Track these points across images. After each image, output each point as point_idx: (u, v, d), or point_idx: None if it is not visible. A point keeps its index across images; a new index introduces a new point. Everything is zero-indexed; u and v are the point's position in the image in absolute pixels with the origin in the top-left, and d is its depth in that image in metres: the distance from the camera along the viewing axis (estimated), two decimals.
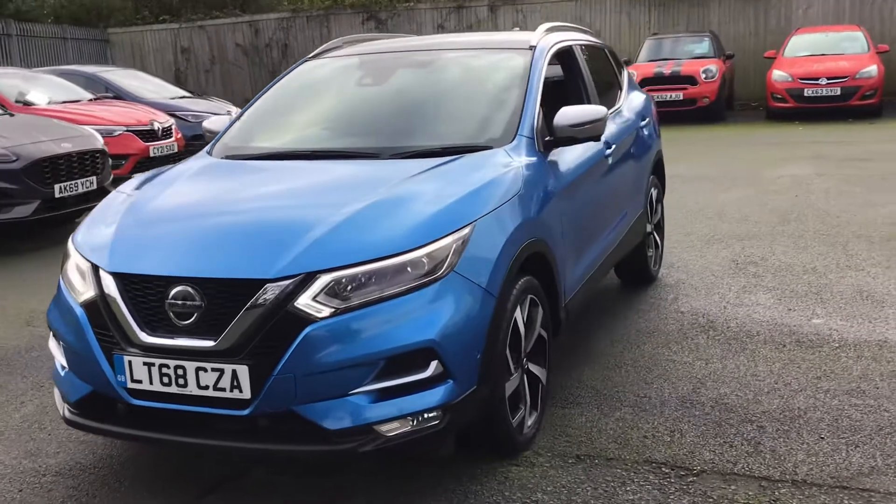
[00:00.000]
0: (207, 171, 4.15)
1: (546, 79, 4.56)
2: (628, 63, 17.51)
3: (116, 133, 10.82)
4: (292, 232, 3.21)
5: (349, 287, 3.06)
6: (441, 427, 3.16)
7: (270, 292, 3.03)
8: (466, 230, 3.29)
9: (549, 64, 4.69)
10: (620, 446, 3.73)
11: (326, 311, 3.02)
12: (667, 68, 17.03)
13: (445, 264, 3.18)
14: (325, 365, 3.01)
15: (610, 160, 4.89)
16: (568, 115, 4.14)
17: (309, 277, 3.04)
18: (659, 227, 6.31)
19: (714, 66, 16.96)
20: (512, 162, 3.80)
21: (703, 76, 16.76)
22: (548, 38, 4.74)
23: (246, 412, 3.06)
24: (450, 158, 3.80)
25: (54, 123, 9.15)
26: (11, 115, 9.52)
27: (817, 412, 3.96)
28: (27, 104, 11.08)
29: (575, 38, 5.22)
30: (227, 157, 4.28)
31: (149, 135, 11.31)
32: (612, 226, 4.97)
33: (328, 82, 4.85)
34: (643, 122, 5.76)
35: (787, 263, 6.44)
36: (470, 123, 4.26)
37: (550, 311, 3.99)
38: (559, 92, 4.96)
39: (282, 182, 3.88)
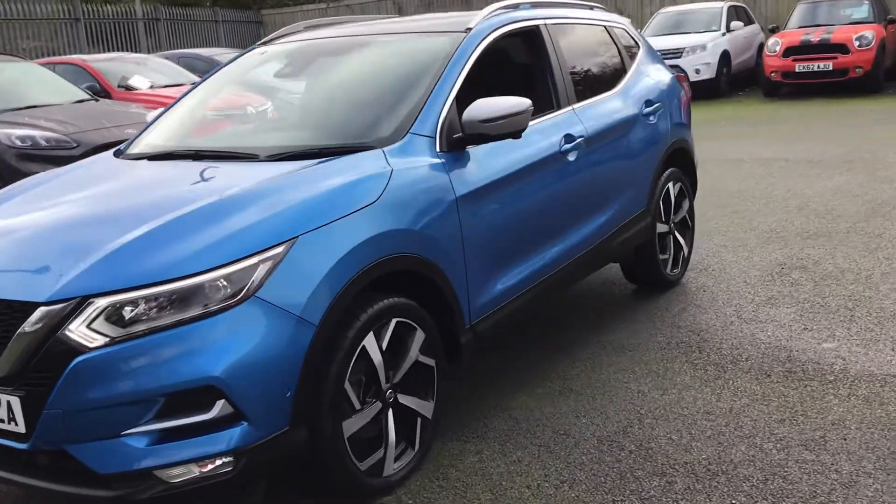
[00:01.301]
0: (71, 173, 3.93)
1: (492, 65, 4.04)
2: (775, 30, 16.24)
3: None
4: (77, 249, 2.92)
5: (132, 314, 2.74)
6: (234, 474, 2.80)
7: (41, 317, 2.75)
8: (280, 248, 2.89)
9: (498, 49, 4.17)
10: (494, 497, 3.23)
11: (100, 341, 2.71)
12: (815, 35, 15.53)
13: (246, 289, 2.80)
14: (95, 401, 2.72)
15: (573, 155, 4.29)
16: (479, 108, 3.62)
17: (83, 302, 2.74)
18: (683, 227, 5.60)
19: (871, 33, 15.30)
20: (382, 166, 3.34)
21: (857, 44, 15.15)
22: (494, 20, 4.20)
23: (25, 446, 2.82)
24: (316, 162, 3.40)
25: (127, 110, 9.31)
26: (96, 100, 9.79)
27: (750, 467, 3.30)
28: (129, 88, 11.39)
29: (549, 15, 4.62)
30: (120, 156, 4.05)
31: None
32: (575, 229, 4.38)
33: (250, 74, 4.54)
34: (650, 109, 5.07)
35: (840, 270, 5.57)
36: (361, 120, 3.83)
37: (445, 334, 3.53)
38: (513, 80, 4.40)
39: (113, 188, 3.61)
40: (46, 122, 8.57)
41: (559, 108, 4.42)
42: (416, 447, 3.40)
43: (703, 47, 16.57)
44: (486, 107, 3.63)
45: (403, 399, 3.33)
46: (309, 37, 4.60)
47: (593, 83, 4.86)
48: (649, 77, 5.28)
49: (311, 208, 3.04)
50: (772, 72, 15.81)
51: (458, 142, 3.65)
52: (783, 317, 4.83)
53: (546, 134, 4.20)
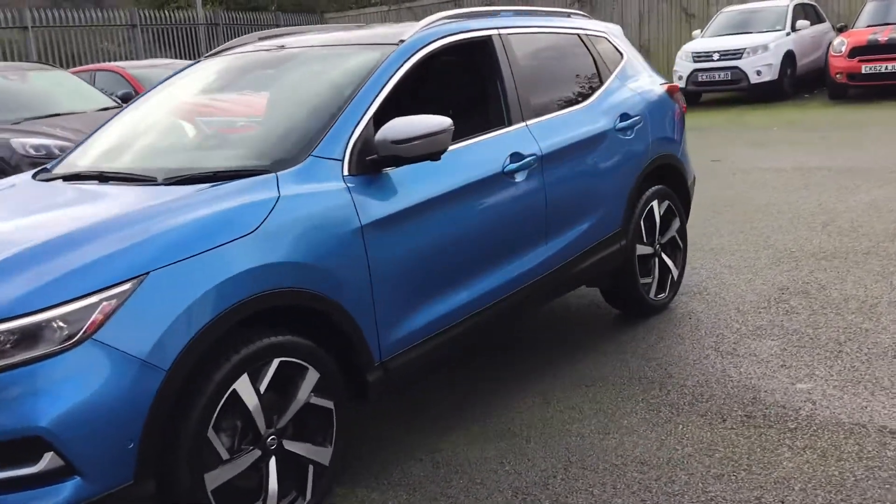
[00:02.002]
0: None
1: (429, 80, 3.78)
2: (843, 29, 15.48)
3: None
4: None
5: None
6: None
7: None
8: (126, 286, 2.67)
9: (438, 62, 3.90)
10: None
11: None
12: (883, 35, 14.69)
13: (83, 330, 2.59)
14: None
15: (521, 175, 3.98)
16: (393, 129, 3.36)
17: None
18: (673, 248, 5.22)
19: None
20: (267, 193, 3.09)
21: None
22: (432, 31, 3.92)
23: None
24: (203, 187, 3.18)
25: None
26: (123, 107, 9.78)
27: None
28: None
29: (507, 25, 4.31)
30: (38, 176, 3.91)
31: None
32: (525, 256, 4.07)
33: (185, 88, 4.34)
34: (625, 123, 4.71)
35: (845, 297, 5.11)
36: (263, 142, 3.61)
37: (348, 373, 3.28)
38: (453, 96, 4.11)
39: None
40: (63, 130, 8.58)
41: (510, 124, 4.12)
42: (308, 497, 3.15)
43: (765, 47, 15.87)
44: (401, 127, 3.36)
45: (291, 445, 3.09)
46: (248, 50, 4.40)
47: (558, 97, 4.53)
48: (629, 89, 4.91)
49: (170, 241, 2.82)
50: (837, 73, 15.03)
51: (372, 164, 3.39)
52: (764, 351, 4.42)
53: (487, 153, 3.91)
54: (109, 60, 15.46)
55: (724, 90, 16.44)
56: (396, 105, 3.66)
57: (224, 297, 2.82)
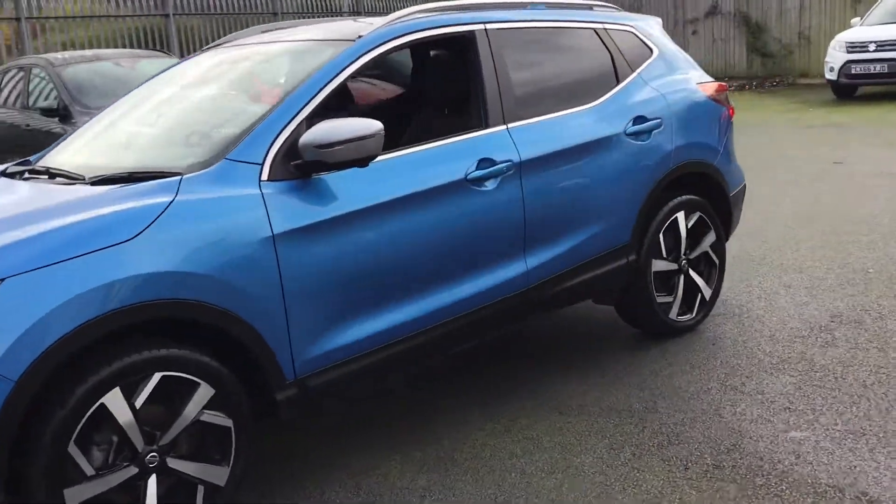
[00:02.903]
0: None
1: (390, 79, 3.55)
2: None
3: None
4: None
5: None
6: None
7: None
8: None
9: (400, 60, 3.66)
10: None
11: None
12: None
13: None
14: None
15: (492, 183, 3.68)
16: (318, 132, 3.16)
17: None
18: (703, 265, 4.74)
19: None
20: (160, 198, 2.95)
21: None
22: (396, 27, 3.66)
23: None
24: (106, 189, 3.09)
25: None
26: None
27: None
28: None
29: (498, 19, 3.99)
30: (6, 173, 3.93)
31: None
32: (491, 271, 3.76)
33: (163, 84, 4.23)
34: (640, 127, 4.29)
35: None
36: (183, 143, 3.45)
37: (255, 391, 3.11)
38: (418, 96, 3.84)
39: None
40: None
41: (487, 127, 3.81)
42: None
43: None
44: (326, 130, 3.15)
45: (176, 464, 2.94)
46: (233, 45, 4.27)
47: (557, 97, 4.16)
48: (652, 89, 4.46)
49: (33, 247, 2.72)
50: None
51: (297, 169, 3.19)
52: (774, 389, 3.92)
53: (449, 158, 3.63)
54: None
55: (881, 83, 15.11)
56: (351, 105, 3.43)
57: (90, 306, 2.70)
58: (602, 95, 4.29)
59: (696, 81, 4.73)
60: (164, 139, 3.56)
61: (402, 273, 3.44)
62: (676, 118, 4.48)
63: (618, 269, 4.28)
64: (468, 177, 3.61)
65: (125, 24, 14.43)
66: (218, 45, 4.37)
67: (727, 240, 4.97)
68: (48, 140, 8.80)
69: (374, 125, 3.19)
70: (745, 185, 5.09)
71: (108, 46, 13.62)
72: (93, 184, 3.24)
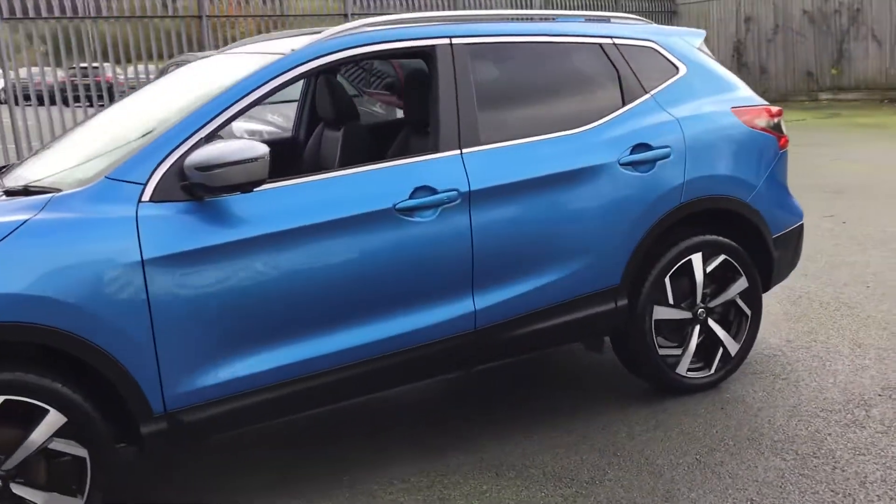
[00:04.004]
0: None
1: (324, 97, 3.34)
2: None
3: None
4: None
5: None
6: None
7: None
8: None
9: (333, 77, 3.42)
10: None
11: None
12: None
13: None
14: None
15: (428, 215, 3.36)
16: (201, 154, 3.00)
17: None
18: (731, 316, 4.16)
19: None
20: (16, 215, 2.87)
21: None
22: (334, 41, 3.42)
23: None
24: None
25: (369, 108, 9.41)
26: None
27: None
28: None
29: (463, 34, 3.64)
30: None
31: None
32: (430, 308, 3.43)
33: (136, 96, 4.16)
34: (639, 156, 3.78)
35: None
36: (82, 159, 3.34)
37: (121, 424, 3.00)
38: (351, 115, 3.55)
39: None
40: (278, 117, 8.99)
41: (437, 151, 3.48)
42: None
43: None
44: (210, 151, 2.99)
45: (20, 490, 2.87)
46: (223, 52, 4.17)
47: (535, 121, 3.75)
48: (667, 114, 3.92)
49: None
50: None
51: (186, 191, 3.03)
52: (751, 475, 3.34)
53: (377, 185, 3.34)
54: None
55: None
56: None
57: None
58: (597, 119, 3.81)
59: (731, 105, 4.11)
60: (88, 153, 3.50)
61: (303, 308, 3.20)
62: (693, 147, 3.92)
63: (602, 314, 3.81)
64: (397, 206, 3.30)
65: (300, 23, 14.80)
66: (207, 55, 4.29)
67: (769, 288, 4.32)
68: None
69: (258, 148, 2.98)
70: (800, 226, 4.40)
71: None
72: (5, 194, 3.23)
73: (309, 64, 3.35)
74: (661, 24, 21.76)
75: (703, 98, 4.08)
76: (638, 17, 4.36)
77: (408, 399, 4.22)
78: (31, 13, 11.72)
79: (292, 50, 3.38)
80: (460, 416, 4.02)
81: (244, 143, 3.00)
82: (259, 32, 14.26)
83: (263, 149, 2.98)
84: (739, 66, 22.09)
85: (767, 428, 3.71)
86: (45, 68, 12.29)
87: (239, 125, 8.92)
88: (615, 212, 3.76)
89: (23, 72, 12.49)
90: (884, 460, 3.37)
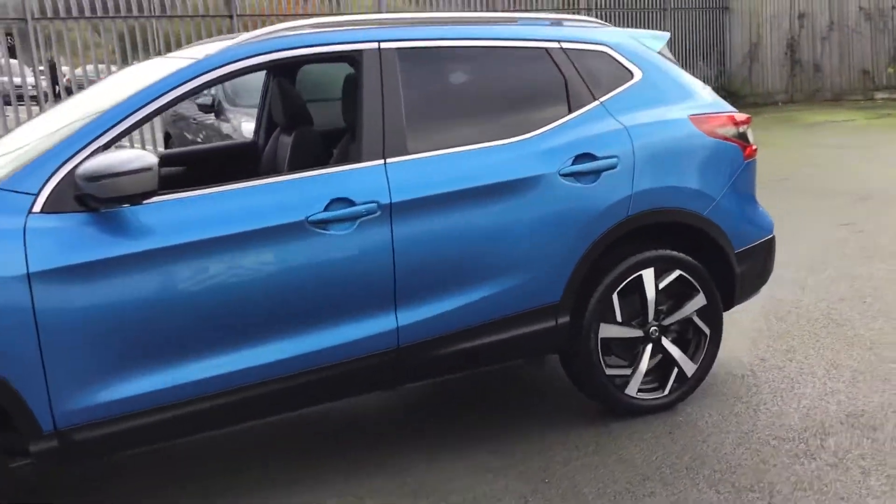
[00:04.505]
0: None
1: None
2: None
3: None
4: None
5: None
6: None
7: None
8: None
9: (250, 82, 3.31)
10: None
11: None
12: None
13: None
14: None
15: (344, 228, 3.23)
16: (92, 163, 2.92)
17: None
18: (688, 335, 3.96)
19: None
20: None
21: None
22: (243, 48, 3.31)
23: None
24: None
25: None
26: None
27: None
28: None
29: (393, 38, 3.50)
30: None
31: None
32: (347, 324, 3.30)
33: (77, 97, 4.09)
34: (583, 167, 3.59)
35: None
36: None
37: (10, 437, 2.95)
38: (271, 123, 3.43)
39: None
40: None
41: (359, 161, 3.35)
42: None
43: None
44: (99, 161, 2.90)
45: None
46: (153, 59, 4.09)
47: (468, 129, 3.61)
48: (616, 122, 3.72)
49: None
50: None
51: (80, 202, 2.95)
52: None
53: (291, 196, 3.22)
54: None
55: None
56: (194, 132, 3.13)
57: None
58: (539, 128, 3.63)
59: (689, 113, 3.90)
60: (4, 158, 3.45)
61: (207, 324, 3.09)
62: (642, 157, 3.72)
63: (541, 332, 3.63)
64: (310, 219, 3.18)
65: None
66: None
67: (732, 306, 4.09)
68: (202, 133, 9.23)
69: (146, 159, 2.89)
70: (769, 240, 4.16)
71: None
72: None
73: (218, 70, 3.24)
74: (713, 20, 21.44)
75: (658, 105, 3.88)
76: (596, 20, 4.17)
77: (345, 416, 4.09)
78: (100, 12, 11.89)
79: (206, 55, 3.28)
80: (397, 435, 3.88)
81: (134, 153, 2.91)
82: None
83: (152, 159, 2.90)
84: (793, 63, 21.52)
85: (711, 456, 3.50)
86: (112, 66, 12.45)
87: (248, 126, 8.89)
88: (554, 225, 3.58)
89: (90, 68, 12.73)
90: (824, 497, 3.14)
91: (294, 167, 3.82)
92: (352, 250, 3.26)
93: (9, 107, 11.41)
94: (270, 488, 3.43)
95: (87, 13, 12.02)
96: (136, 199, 2.91)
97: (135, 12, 12.30)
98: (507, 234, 3.51)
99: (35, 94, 11.59)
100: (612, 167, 3.66)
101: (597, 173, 3.63)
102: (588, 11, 18.71)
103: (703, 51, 21.64)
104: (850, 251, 6.42)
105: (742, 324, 4.91)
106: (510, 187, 3.50)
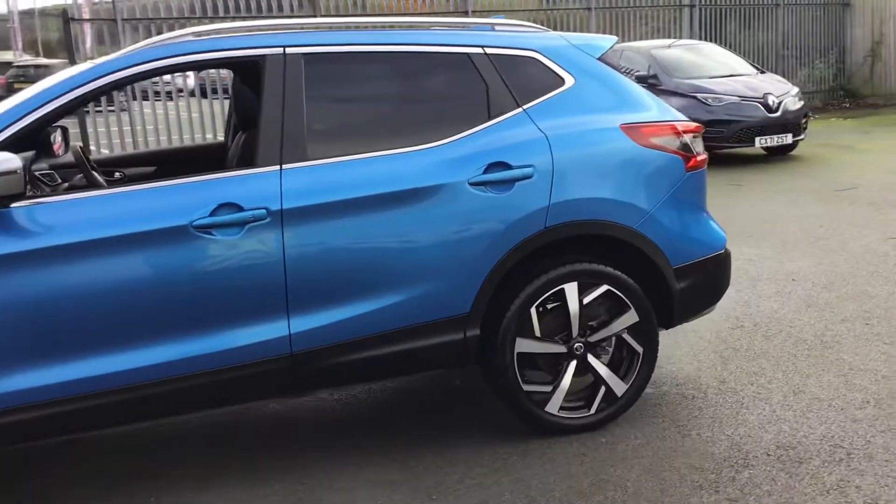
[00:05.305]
0: None
1: None
2: None
3: None
4: None
5: None
6: None
7: None
8: None
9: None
10: None
11: None
12: None
13: None
14: None
15: (230, 233, 3.25)
16: None
17: None
18: (618, 353, 3.80)
19: None
20: None
21: None
22: (139, 54, 3.39)
23: None
24: None
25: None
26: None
27: None
28: None
29: (300, 43, 3.49)
30: None
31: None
32: (232, 331, 3.31)
33: None
34: (495, 176, 3.48)
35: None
36: None
37: None
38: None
39: None
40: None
41: (254, 166, 3.37)
42: None
43: None
44: None
45: None
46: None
47: (375, 136, 3.56)
48: (539, 130, 3.59)
49: None
50: None
51: None
52: None
53: (176, 200, 3.26)
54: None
55: None
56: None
57: None
58: (453, 135, 3.55)
59: (621, 122, 3.72)
60: None
61: (84, 325, 3.16)
62: (562, 168, 3.58)
63: (448, 344, 3.56)
64: (194, 223, 3.21)
65: (548, 16, 15.96)
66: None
67: (673, 324, 3.91)
68: None
69: (10, 163, 2.98)
70: (718, 256, 3.94)
71: None
72: None
73: (113, 75, 3.31)
74: (832, 16, 20.38)
75: (588, 113, 3.73)
76: (535, 25, 4.03)
77: (249, 423, 4.10)
78: (221, 13, 12.46)
79: (104, 60, 3.36)
80: (305, 440, 3.87)
81: (1, 155, 3.00)
82: None
83: (17, 163, 2.99)
84: None
85: (612, 481, 3.35)
86: None
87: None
88: (461, 235, 3.50)
89: None
90: None
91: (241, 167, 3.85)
92: (239, 256, 3.27)
93: None
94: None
95: (175, 14, 12.50)
96: (3, 201, 3.00)
97: (220, 13, 12.69)
98: (409, 243, 3.45)
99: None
100: (528, 177, 3.54)
101: (510, 183, 3.52)
102: (692, 8, 18.21)
103: (820, 49, 20.63)
104: (885, 268, 6.00)
105: (721, 341, 4.69)
106: (414, 195, 3.43)
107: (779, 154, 11.75)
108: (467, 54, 3.67)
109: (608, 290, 3.69)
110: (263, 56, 3.45)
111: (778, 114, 11.21)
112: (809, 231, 7.22)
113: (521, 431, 3.76)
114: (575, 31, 16.24)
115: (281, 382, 3.44)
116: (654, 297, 3.79)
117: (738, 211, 8.17)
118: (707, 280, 3.92)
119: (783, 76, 15.51)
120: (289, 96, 3.41)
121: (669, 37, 17.28)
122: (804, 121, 11.69)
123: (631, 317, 3.73)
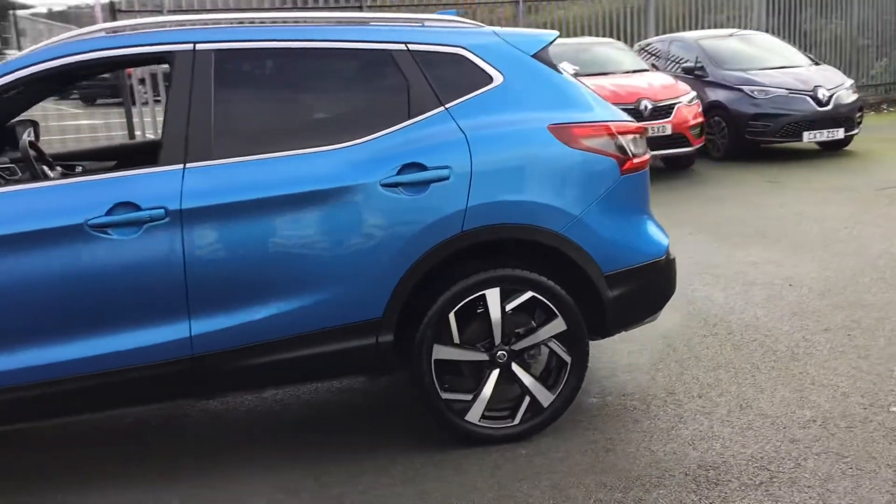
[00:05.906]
0: None
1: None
2: None
3: None
4: None
5: None
6: None
7: None
8: None
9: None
10: None
11: None
12: None
13: None
14: None
15: (127, 233, 3.22)
16: None
17: None
18: (546, 362, 3.66)
19: None
20: None
21: None
22: (47, 50, 3.38)
23: None
24: None
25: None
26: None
27: None
28: None
29: (213, 39, 3.44)
30: None
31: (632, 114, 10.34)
32: (121, 330, 3.27)
33: None
34: (410, 177, 3.36)
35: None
36: None
37: None
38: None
39: None
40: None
41: (156, 164, 3.34)
42: None
43: None
44: None
45: None
46: None
47: (285, 135, 3.48)
48: (459, 129, 3.46)
49: None
50: None
51: None
52: None
53: (72, 199, 3.26)
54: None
55: None
56: None
57: None
58: (368, 135, 3.45)
59: (549, 122, 3.56)
60: None
61: None
62: (482, 169, 3.45)
63: (359, 349, 3.47)
64: (89, 222, 3.20)
65: (602, 6, 15.60)
66: None
67: (609, 334, 3.75)
68: None
69: None
70: (657, 263, 3.75)
71: (588, 26, 15.14)
72: None
73: (21, 72, 3.31)
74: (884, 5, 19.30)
75: (515, 112, 3.58)
76: (467, 21, 3.88)
77: (177, 421, 4.08)
78: (267, 4, 12.71)
79: (10, 59, 3.36)
80: (211, 445, 3.83)
81: None
82: (575, 17, 15.16)
83: None
84: None
85: (514, 496, 3.22)
86: None
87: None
88: (371, 238, 3.40)
89: None
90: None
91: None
92: (136, 256, 3.24)
93: None
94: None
95: (220, 5, 12.64)
96: None
97: (266, 4, 12.76)
98: (316, 245, 3.38)
99: None
100: (444, 178, 3.42)
101: (425, 184, 3.41)
102: None
103: None
104: (892, 275, 5.67)
105: (688, 349, 4.51)
106: (322, 196, 3.35)
107: (832, 149, 11.27)
108: (388, 51, 3.56)
109: (533, 296, 3.54)
110: (172, 52, 3.41)
111: (829, 107, 10.71)
112: (830, 233, 6.87)
113: (444, 441, 3.64)
114: (631, 19, 15.82)
115: (184, 385, 3.40)
116: (585, 305, 3.62)
117: (763, 210, 7.85)
118: (645, 288, 3.74)
119: (860, 67, 14.85)
120: (196, 93, 3.36)
121: (740, 27, 16.73)
122: (859, 115, 11.17)
123: (558, 325, 3.58)
